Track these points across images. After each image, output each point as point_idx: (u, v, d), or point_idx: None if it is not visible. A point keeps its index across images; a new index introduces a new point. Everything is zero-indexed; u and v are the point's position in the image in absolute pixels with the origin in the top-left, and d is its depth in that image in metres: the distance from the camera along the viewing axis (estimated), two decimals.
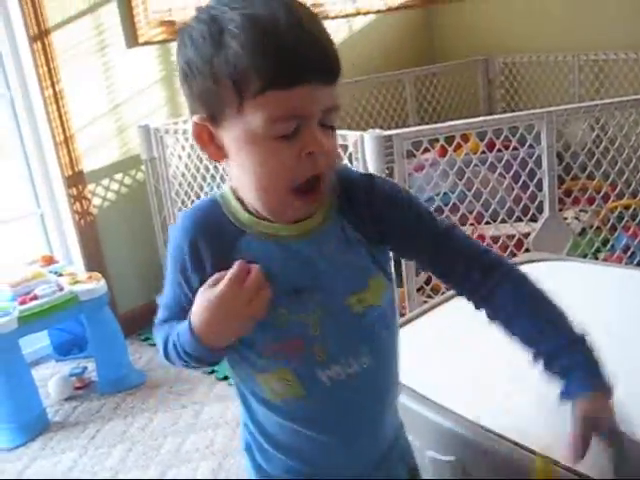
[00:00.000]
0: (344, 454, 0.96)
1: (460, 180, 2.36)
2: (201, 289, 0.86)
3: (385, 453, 1.01)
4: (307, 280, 0.89)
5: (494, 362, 1.35)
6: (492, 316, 0.97)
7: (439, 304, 1.63)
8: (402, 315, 2.20)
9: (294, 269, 0.89)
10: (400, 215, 0.94)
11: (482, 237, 2.47)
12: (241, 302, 0.83)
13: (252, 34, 0.78)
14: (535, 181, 2.35)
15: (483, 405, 1.22)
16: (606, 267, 1.84)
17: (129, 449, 2.30)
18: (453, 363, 1.38)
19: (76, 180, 2.94)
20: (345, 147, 2.27)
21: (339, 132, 2.30)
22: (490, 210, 2.39)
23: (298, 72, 0.78)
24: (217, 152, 0.87)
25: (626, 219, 2.55)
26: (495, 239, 2.45)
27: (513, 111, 4.00)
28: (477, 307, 0.99)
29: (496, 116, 2.57)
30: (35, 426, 2.51)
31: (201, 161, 2.84)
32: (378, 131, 2.19)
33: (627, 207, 2.61)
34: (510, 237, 2.42)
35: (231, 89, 0.80)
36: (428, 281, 2.47)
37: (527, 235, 2.41)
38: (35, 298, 2.50)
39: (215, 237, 0.88)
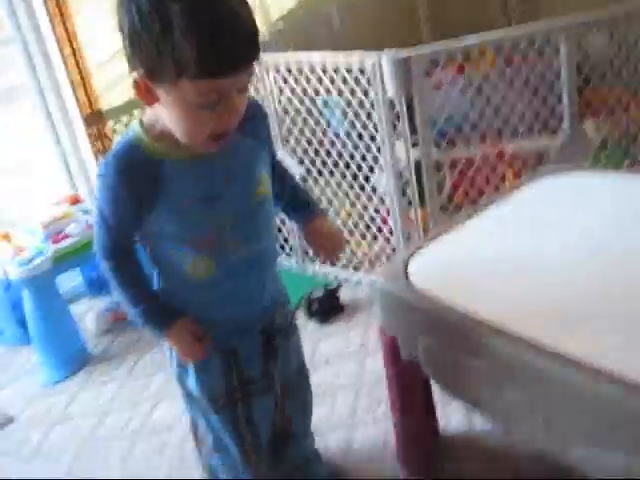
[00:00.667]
0: (241, 307, 1.33)
1: (479, 96, 2.35)
2: (181, 327, 1.28)
3: (270, 304, 1.39)
4: (220, 188, 1.20)
5: (526, 273, 1.39)
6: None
7: (463, 221, 1.66)
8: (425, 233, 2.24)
9: (209, 180, 1.19)
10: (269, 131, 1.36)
11: (502, 154, 2.47)
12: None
13: (195, 31, 0.99)
14: (554, 94, 2.33)
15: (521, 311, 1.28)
16: (629, 176, 1.85)
17: (167, 379, 2.38)
18: (486, 276, 1.42)
19: (95, 119, 2.95)
20: (362, 70, 2.27)
21: (355, 55, 2.30)
22: (510, 125, 2.38)
23: (227, 67, 1.03)
24: (152, 100, 1.11)
25: None
26: (515, 155, 2.45)
27: (528, 22, 3.92)
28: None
29: (514, 29, 2.53)
30: (76, 361, 2.61)
31: None
32: (395, 52, 2.18)
33: None
34: (531, 152, 2.43)
35: (172, 68, 1.02)
36: (450, 198, 2.49)
37: (548, 149, 2.41)
38: (66, 237, 2.56)
39: (143, 174, 1.15)
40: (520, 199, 1.71)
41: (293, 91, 2.54)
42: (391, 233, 2.50)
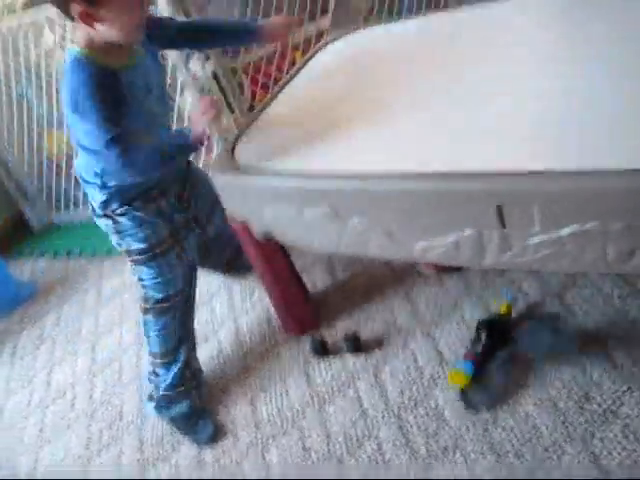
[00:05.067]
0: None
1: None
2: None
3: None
4: (151, 84, 1.58)
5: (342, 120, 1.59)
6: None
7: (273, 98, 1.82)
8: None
9: (145, 78, 1.56)
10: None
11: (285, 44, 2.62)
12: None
13: None
14: None
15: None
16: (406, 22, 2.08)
17: (53, 343, 2.45)
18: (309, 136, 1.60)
19: None
20: None
21: None
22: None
23: None
24: (94, 23, 1.40)
25: None
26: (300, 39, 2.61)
27: None
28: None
29: None
30: None
31: None
32: None
33: None
34: (312, 34, 2.59)
35: None
36: (254, 96, 2.63)
37: (324, 27, 2.58)
38: None
39: (109, 82, 1.45)
40: (319, 62, 1.90)
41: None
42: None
